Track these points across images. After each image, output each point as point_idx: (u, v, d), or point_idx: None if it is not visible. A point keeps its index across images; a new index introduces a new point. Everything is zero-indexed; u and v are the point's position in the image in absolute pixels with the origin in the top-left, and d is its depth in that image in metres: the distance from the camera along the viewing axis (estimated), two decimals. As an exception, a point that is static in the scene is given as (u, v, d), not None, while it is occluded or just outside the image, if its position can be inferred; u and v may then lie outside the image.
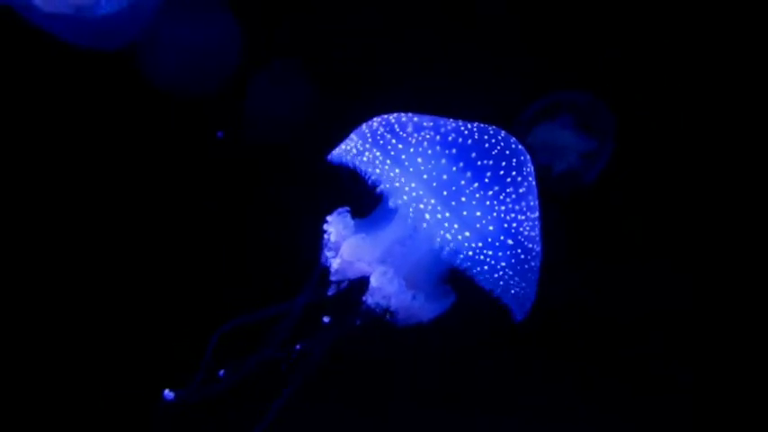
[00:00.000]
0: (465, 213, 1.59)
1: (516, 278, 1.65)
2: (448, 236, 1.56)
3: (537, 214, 1.68)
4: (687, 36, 2.54)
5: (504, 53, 2.59)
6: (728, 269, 2.57)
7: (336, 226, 1.77)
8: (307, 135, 2.62)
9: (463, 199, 1.60)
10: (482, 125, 1.71)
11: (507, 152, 1.66)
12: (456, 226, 1.57)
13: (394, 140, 1.66)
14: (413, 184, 1.59)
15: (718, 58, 2.54)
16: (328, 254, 1.78)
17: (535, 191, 1.69)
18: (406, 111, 1.77)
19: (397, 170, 1.61)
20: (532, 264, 1.68)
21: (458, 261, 1.58)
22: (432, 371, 2.60)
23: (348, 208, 1.80)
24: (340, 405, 2.54)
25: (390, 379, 2.59)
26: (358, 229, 1.77)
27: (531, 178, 1.69)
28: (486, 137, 1.66)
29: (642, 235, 2.61)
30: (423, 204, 1.57)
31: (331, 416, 2.52)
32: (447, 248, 1.57)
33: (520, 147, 1.70)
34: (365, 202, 2.02)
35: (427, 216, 1.57)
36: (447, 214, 1.58)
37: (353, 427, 2.54)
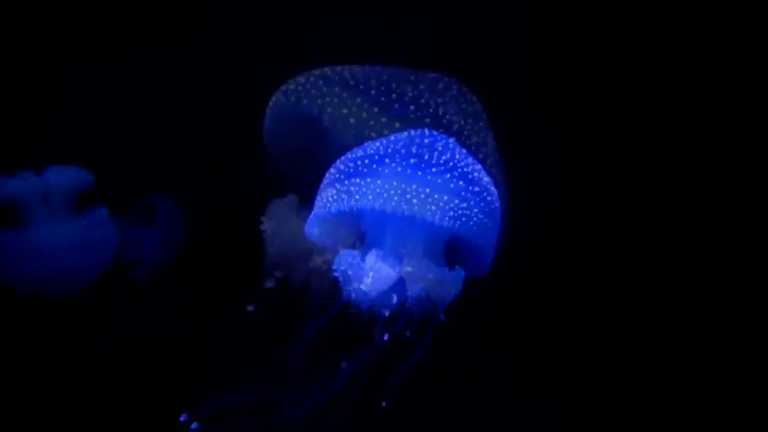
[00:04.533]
0: (440, 180, 1.93)
1: (487, 221, 1.99)
2: (433, 207, 1.89)
3: (480, 166, 2.06)
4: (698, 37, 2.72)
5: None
6: (727, 269, 2.73)
7: (346, 260, 2.01)
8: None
9: (434, 170, 1.97)
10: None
11: (435, 135, 2.03)
12: (435, 196, 1.90)
13: (359, 163, 1.98)
14: (394, 183, 1.93)
15: (730, 52, 2.72)
16: (353, 287, 2.01)
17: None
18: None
19: (378, 181, 1.93)
20: (494, 206, 2.03)
21: (446, 224, 1.89)
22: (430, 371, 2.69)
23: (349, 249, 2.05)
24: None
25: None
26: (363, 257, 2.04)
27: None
28: (413, 133, 2.04)
29: (639, 235, 2.75)
30: (409, 194, 1.90)
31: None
32: (436, 218, 1.88)
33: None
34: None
35: (415, 201, 1.89)
36: (427, 190, 1.91)
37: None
